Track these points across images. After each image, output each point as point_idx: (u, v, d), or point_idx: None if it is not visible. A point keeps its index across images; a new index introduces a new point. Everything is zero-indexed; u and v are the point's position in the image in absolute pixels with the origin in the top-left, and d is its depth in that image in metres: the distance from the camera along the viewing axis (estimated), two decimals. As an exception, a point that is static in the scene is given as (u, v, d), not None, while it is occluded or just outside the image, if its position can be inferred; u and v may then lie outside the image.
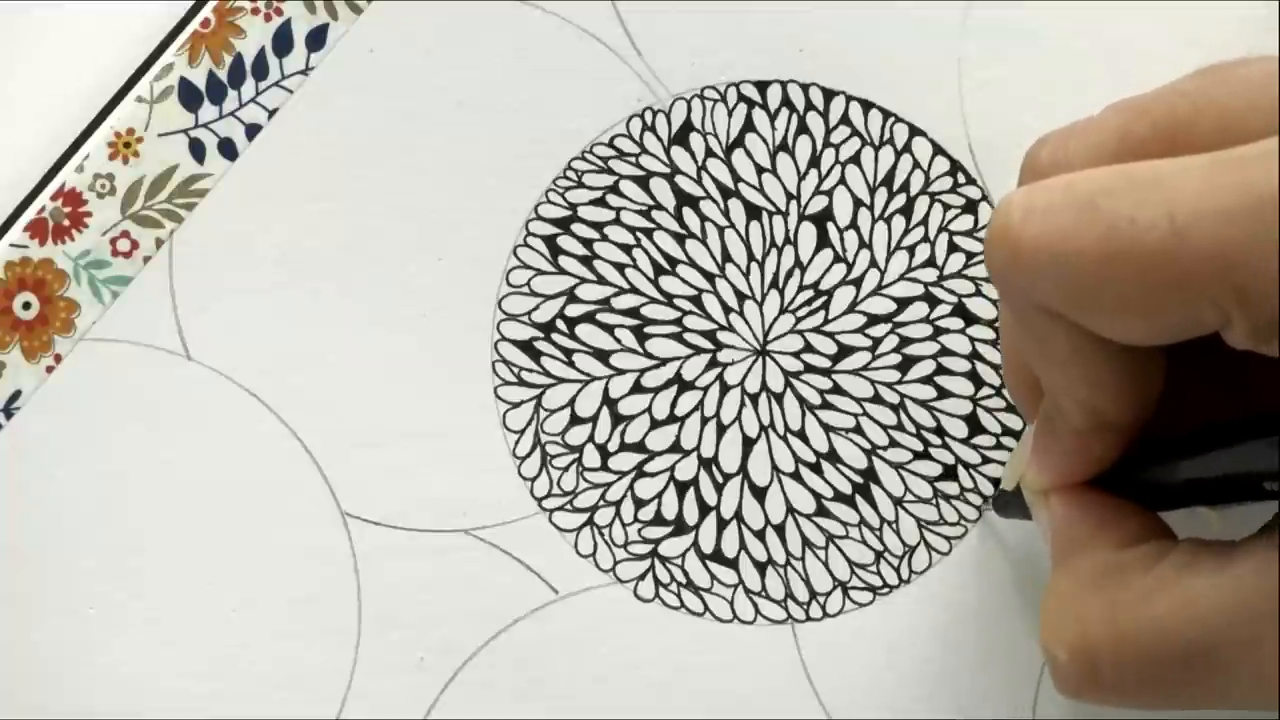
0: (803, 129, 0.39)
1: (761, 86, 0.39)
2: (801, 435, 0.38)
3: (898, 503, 0.38)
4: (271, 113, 0.39)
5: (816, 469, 0.38)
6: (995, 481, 0.38)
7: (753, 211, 0.39)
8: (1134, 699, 0.28)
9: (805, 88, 0.39)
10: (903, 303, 0.39)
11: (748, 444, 0.38)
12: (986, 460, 0.38)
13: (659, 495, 0.38)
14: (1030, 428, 0.33)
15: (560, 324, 0.39)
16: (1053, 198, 0.28)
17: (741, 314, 0.39)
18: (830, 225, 0.39)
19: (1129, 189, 0.27)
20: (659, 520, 0.38)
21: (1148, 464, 0.31)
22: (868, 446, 0.38)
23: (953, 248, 0.39)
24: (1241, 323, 0.26)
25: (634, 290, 0.39)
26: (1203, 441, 0.30)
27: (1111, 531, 0.30)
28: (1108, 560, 0.29)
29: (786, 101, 0.39)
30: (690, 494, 0.38)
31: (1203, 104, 0.29)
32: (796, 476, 0.38)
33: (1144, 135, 0.29)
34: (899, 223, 0.39)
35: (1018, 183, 0.31)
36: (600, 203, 0.39)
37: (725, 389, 0.39)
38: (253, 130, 0.39)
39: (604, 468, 0.38)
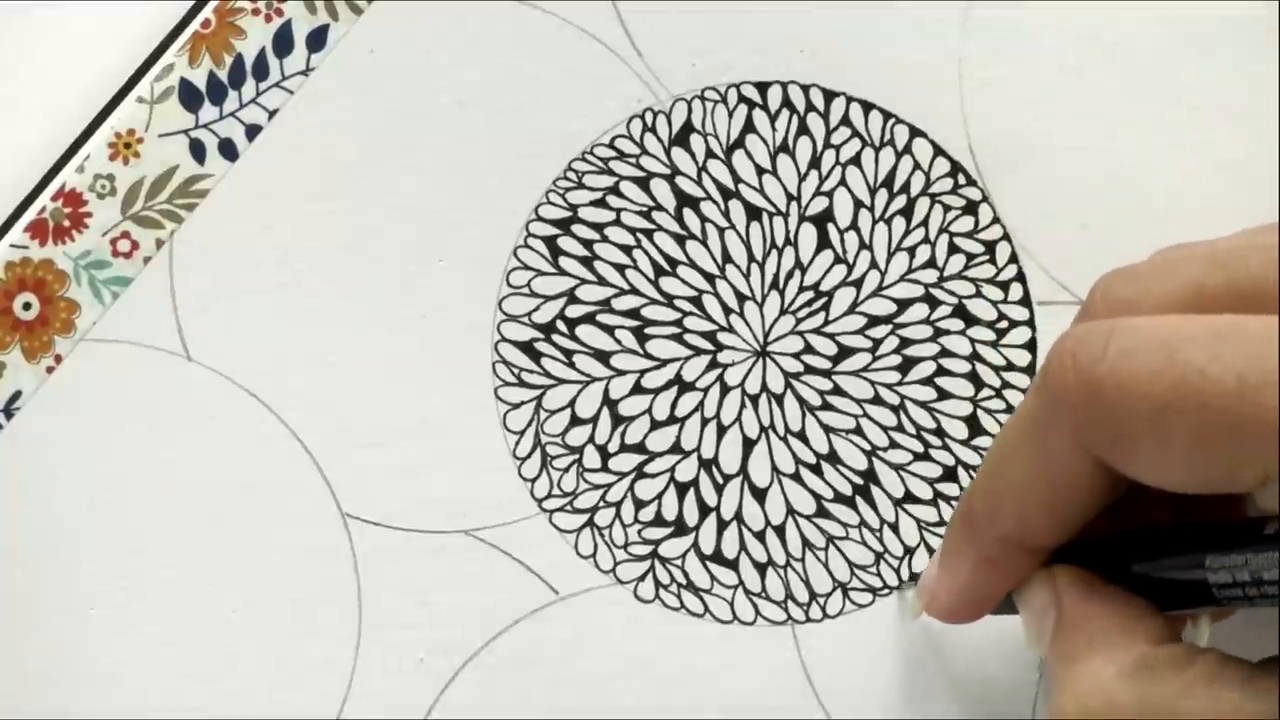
0: (803, 130, 0.39)
1: (762, 87, 0.39)
2: (802, 436, 0.38)
3: (898, 504, 0.38)
4: (272, 113, 0.39)
5: (817, 470, 0.38)
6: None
7: (753, 212, 0.39)
8: None
9: (806, 89, 0.39)
10: (903, 304, 0.39)
11: (748, 445, 0.38)
12: (986, 461, 0.38)
13: (659, 496, 0.38)
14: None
15: (560, 325, 0.39)
16: (1135, 339, 0.28)
17: (742, 315, 0.39)
18: (831, 226, 0.39)
19: (1207, 341, 0.27)
20: (659, 521, 0.38)
21: (1141, 558, 0.31)
22: (868, 448, 0.38)
23: (953, 249, 0.39)
24: None
25: (634, 291, 0.39)
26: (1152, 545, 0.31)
27: (1144, 627, 0.30)
28: (1144, 654, 0.29)
29: (787, 102, 0.39)
30: (690, 495, 0.38)
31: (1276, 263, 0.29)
32: (797, 478, 0.38)
33: (1218, 290, 0.29)
34: (899, 224, 0.39)
35: (1082, 311, 0.32)
36: (600, 203, 0.39)
37: (725, 390, 0.39)
38: (253, 131, 0.38)
39: (604, 469, 0.38)
